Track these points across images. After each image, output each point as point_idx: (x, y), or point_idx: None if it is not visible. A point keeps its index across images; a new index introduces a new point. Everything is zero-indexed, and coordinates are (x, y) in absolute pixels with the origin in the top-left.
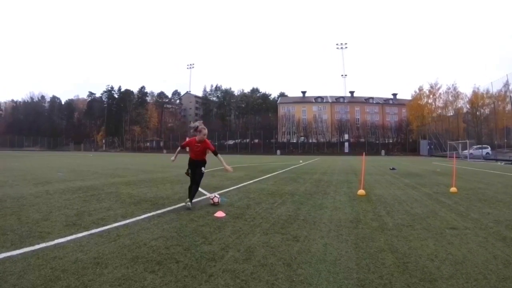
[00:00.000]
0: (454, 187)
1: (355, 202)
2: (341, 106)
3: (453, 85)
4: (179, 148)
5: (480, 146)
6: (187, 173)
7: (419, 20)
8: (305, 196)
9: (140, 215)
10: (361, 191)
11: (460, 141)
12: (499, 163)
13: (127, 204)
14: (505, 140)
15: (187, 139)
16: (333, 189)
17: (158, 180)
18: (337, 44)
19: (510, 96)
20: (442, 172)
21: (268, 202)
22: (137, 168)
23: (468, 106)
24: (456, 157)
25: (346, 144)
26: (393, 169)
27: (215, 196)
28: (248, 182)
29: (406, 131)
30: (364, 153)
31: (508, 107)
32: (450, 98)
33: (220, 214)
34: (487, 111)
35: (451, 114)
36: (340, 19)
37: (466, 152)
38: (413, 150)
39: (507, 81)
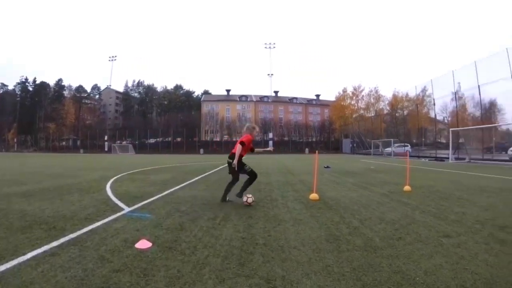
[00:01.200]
0: (408, 186)
1: (314, 210)
2: (265, 105)
3: (375, 88)
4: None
5: (403, 144)
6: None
7: (343, 26)
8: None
9: (25, 253)
10: (313, 195)
11: (384, 140)
12: (423, 159)
13: (12, 231)
14: (423, 139)
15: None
16: (279, 194)
17: (65, 189)
18: (265, 44)
19: (429, 100)
20: (377, 169)
21: (206, 218)
22: (45, 171)
23: (388, 107)
24: (377, 154)
25: (271, 142)
26: (327, 167)
27: (248, 197)
28: (176, 188)
29: (329, 130)
30: (317, 151)
31: (425, 109)
32: (372, 100)
33: (143, 244)
34: (405, 112)
35: (373, 115)
36: (267, 19)
37: (388, 149)
38: (336, 148)
39: (425, 87)
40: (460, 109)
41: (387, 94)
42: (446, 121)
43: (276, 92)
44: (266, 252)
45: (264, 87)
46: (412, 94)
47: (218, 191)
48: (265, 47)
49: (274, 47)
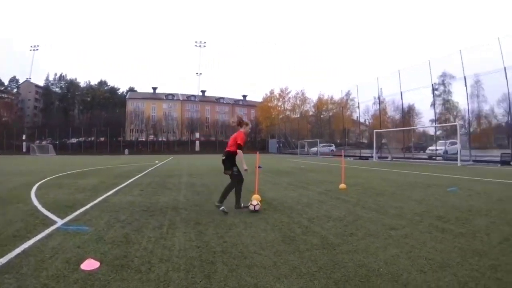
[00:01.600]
0: (343, 184)
1: (261, 212)
2: (192, 104)
3: (301, 90)
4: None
5: (328, 144)
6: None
7: (271, 28)
8: (194, 209)
9: None
10: (256, 196)
11: (310, 140)
12: (348, 158)
13: None
14: (346, 139)
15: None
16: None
17: None
18: (195, 42)
19: (352, 104)
20: (308, 168)
21: (152, 226)
22: None
23: (313, 109)
24: (304, 154)
25: (197, 142)
26: (260, 167)
27: (255, 204)
28: (108, 194)
29: (256, 130)
30: (258, 152)
31: (349, 112)
32: (298, 102)
33: (91, 264)
34: (330, 114)
35: (298, 116)
36: (198, 17)
37: (314, 149)
38: (263, 148)
39: (349, 91)
40: (382, 112)
41: (313, 96)
42: (367, 123)
43: (203, 92)
44: (228, 260)
45: (191, 86)
46: (337, 97)
47: (156, 196)
48: (195, 46)
49: (204, 46)
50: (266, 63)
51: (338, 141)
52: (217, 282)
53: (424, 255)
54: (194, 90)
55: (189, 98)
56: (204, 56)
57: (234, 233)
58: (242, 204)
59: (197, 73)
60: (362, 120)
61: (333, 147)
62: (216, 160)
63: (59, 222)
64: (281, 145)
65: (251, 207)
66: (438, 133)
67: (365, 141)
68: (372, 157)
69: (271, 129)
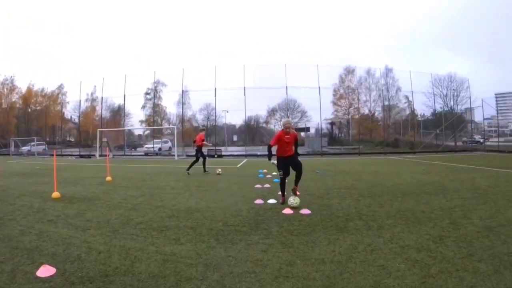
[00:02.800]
0: (109, 177)
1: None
2: None
3: (11, 76)
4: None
5: (42, 142)
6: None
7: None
8: None
9: None
10: (55, 194)
11: (26, 138)
12: (69, 157)
13: None
14: (57, 138)
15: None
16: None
17: None
18: None
19: (64, 98)
20: (43, 168)
21: None
22: None
23: (21, 101)
24: (16, 155)
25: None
26: None
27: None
28: None
29: None
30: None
31: (58, 107)
32: (6, 90)
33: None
34: (38, 108)
35: (4, 107)
36: None
37: (26, 148)
38: None
39: (62, 84)
40: (91, 110)
41: (23, 85)
42: (76, 120)
43: None
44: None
45: None
46: (49, 90)
47: None
48: None
49: None
50: None
51: (48, 139)
52: None
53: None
54: None
55: None
56: None
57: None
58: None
59: None
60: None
61: (45, 146)
62: None
63: None
64: None
65: None
66: (146, 132)
67: (72, 139)
68: (94, 155)
69: None
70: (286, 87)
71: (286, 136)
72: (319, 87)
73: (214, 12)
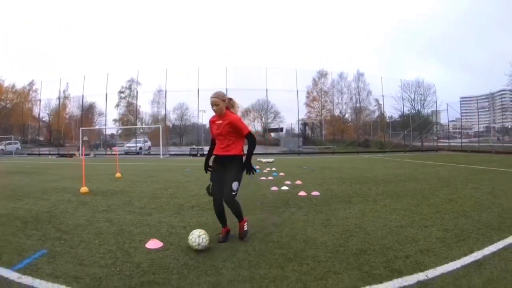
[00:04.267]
0: (118, 173)
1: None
2: None
3: None
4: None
5: (15, 141)
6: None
7: None
8: None
9: None
10: (84, 189)
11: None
12: (49, 156)
13: None
14: (29, 136)
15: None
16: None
17: None
18: None
19: (34, 95)
20: (33, 167)
21: None
22: None
23: None
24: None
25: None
26: None
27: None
28: None
29: None
30: None
31: (30, 104)
32: None
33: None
34: (9, 106)
35: None
36: None
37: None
38: None
39: (33, 80)
40: (62, 108)
41: None
42: (46, 119)
43: None
44: None
45: None
46: (19, 86)
47: None
48: None
49: None
50: None
51: (20, 137)
52: None
53: None
54: None
55: None
56: None
57: None
58: None
59: None
60: (41, 115)
61: (18, 145)
62: None
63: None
64: None
65: None
66: (119, 132)
67: (41, 138)
68: (74, 154)
69: None
70: (267, 89)
71: (217, 122)
72: (297, 90)
73: (200, 14)
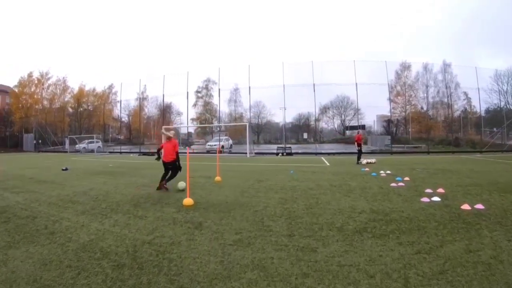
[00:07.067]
0: (218, 177)
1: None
2: None
3: (63, 77)
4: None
5: (97, 140)
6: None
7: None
8: None
9: None
10: (188, 200)
11: (82, 135)
12: (131, 155)
13: None
14: (110, 135)
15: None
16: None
17: None
18: None
19: (114, 98)
20: (123, 166)
21: None
22: None
23: (73, 101)
24: (73, 152)
25: None
26: (65, 169)
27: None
28: None
29: (7, 123)
30: None
31: (109, 106)
32: (58, 91)
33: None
34: (90, 108)
35: (57, 106)
36: None
37: (81, 145)
38: (16, 145)
39: (112, 84)
40: (140, 108)
41: (74, 86)
42: (124, 119)
43: None
44: None
45: None
46: (99, 89)
47: None
48: None
49: None
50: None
51: (101, 137)
52: None
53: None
54: None
55: None
56: None
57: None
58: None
59: None
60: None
61: (100, 144)
62: None
63: None
64: (40, 141)
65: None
66: (197, 130)
67: (121, 137)
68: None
69: (26, 122)
70: (356, 83)
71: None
72: (388, 84)
73: (282, 11)
